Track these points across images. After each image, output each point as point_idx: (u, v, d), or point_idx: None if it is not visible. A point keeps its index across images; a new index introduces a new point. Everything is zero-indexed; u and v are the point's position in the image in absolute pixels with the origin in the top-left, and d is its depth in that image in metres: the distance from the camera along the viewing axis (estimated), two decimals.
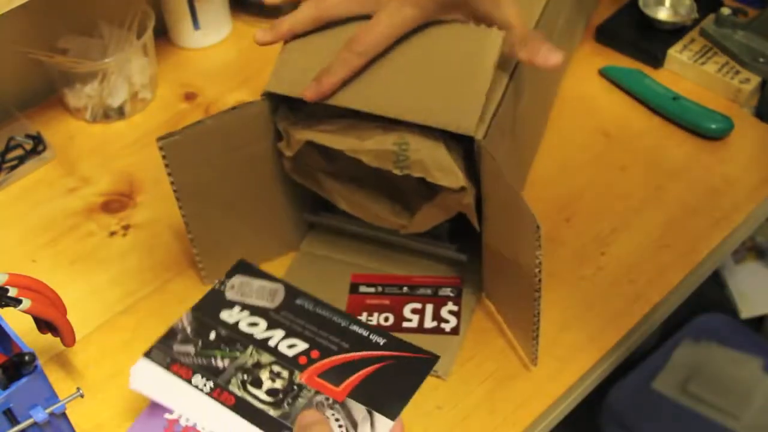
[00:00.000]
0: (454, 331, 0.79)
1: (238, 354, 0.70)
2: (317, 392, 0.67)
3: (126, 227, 0.91)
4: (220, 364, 0.70)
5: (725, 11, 1.04)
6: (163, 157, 0.74)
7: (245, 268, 0.77)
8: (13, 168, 0.97)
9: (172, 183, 0.76)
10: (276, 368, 0.69)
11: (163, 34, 1.11)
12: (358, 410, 0.65)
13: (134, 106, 1.04)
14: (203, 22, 1.10)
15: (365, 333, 0.70)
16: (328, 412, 0.65)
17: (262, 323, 0.72)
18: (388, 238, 0.84)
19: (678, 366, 1.39)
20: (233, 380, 0.69)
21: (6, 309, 0.67)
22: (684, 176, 0.92)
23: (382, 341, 0.70)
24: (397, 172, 0.72)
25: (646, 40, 1.06)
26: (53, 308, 0.71)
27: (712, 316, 1.45)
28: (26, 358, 0.62)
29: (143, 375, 0.70)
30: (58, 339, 0.73)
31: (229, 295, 0.75)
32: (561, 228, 0.87)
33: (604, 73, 1.03)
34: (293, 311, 0.73)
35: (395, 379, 0.68)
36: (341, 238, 0.87)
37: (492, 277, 0.79)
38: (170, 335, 0.72)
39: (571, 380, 0.77)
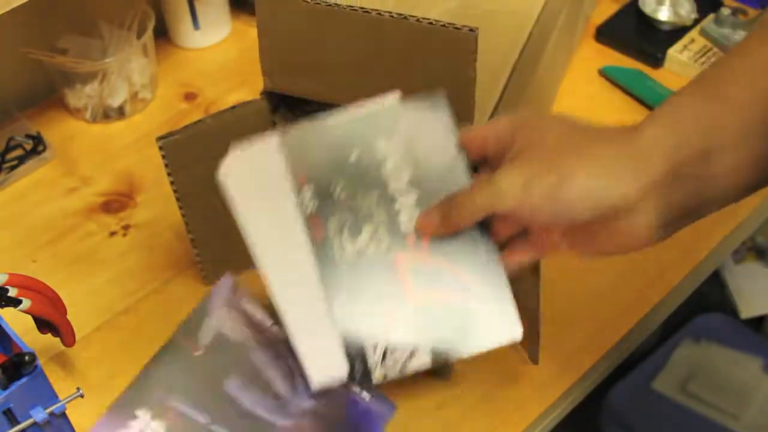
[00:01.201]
0: None
1: (360, 193, 0.62)
2: (396, 282, 0.60)
3: (126, 227, 0.91)
4: (337, 192, 0.62)
5: (725, 11, 1.04)
6: (163, 156, 0.74)
7: (437, 104, 0.63)
8: (13, 168, 0.97)
9: (172, 183, 0.76)
10: (381, 231, 0.61)
11: (163, 34, 1.11)
12: (415, 329, 0.61)
13: (134, 106, 1.04)
14: (203, 22, 1.10)
15: (485, 257, 0.61)
16: (389, 309, 0.61)
17: (406, 175, 0.62)
18: None
19: (678, 366, 1.39)
20: (335, 218, 0.61)
21: (6, 309, 0.67)
22: None
23: (492, 279, 0.61)
24: None
25: (646, 40, 1.06)
26: (53, 308, 0.71)
27: (712, 316, 1.45)
28: (26, 358, 0.62)
29: (246, 163, 0.62)
30: (58, 339, 0.73)
31: (401, 124, 0.62)
32: None
33: (604, 73, 1.04)
34: (442, 180, 0.62)
35: (470, 327, 0.60)
36: None
37: None
38: (318, 130, 0.63)
39: (571, 380, 0.77)
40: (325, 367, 0.61)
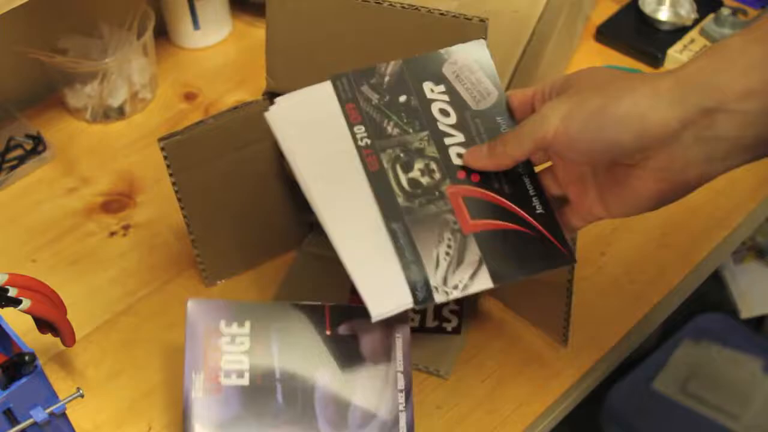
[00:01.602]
0: (456, 330, 0.79)
1: (411, 131, 0.65)
2: (451, 211, 0.63)
3: (126, 227, 0.91)
4: (389, 129, 0.65)
5: (725, 11, 1.04)
6: (165, 157, 0.74)
7: (480, 49, 0.67)
8: (13, 168, 0.97)
9: (173, 183, 0.76)
10: (433, 166, 0.64)
11: (163, 34, 1.11)
12: (472, 253, 0.62)
13: (134, 106, 1.04)
14: (203, 22, 1.10)
15: (531, 191, 0.64)
16: (446, 234, 0.62)
17: (453, 117, 0.65)
18: None
19: (678, 366, 1.39)
20: (389, 151, 0.64)
21: (6, 309, 0.67)
22: None
23: (540, 209, 0.64)
24: None
25: (646, 40, 1.06)
26: (53, 308, 0.71)
27: (712, 316, 1.45)
28: (26, 358, 0.62)
29: (296, 108, 0.65)
30: (58, 339, 0.73)
31: (446, 69, 0.66)
32: None
33: None
34: (487, 123, 0.65)
35: (523, 252, 0.63)
36: None
37: None
38: (368, 74, 0.66)
39: (572, 380, 0.77)
40: (385, 296, 0.61)
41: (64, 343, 0.73)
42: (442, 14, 0.68)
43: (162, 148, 0.74)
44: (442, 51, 0.67)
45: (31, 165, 0.97)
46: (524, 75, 0.79)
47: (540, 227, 0.63)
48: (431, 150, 0.64)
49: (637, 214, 0.59)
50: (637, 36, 1.07)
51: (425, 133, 0.65)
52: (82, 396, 0.66)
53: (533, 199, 0.64)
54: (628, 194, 0.58)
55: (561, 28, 0.91)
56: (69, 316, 0.73)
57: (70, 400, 0.66)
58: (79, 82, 1.01)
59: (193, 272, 0.85)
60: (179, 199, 0.77)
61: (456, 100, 0.66)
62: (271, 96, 0.76)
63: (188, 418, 0.67)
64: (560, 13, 0.90)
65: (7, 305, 0.67)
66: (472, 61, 0.67)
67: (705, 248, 0.86)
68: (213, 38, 1.12)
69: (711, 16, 1.06)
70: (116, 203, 0.94)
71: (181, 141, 0.74)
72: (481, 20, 0.67)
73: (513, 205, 0.63)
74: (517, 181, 0.64)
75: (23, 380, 0.62)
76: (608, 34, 1.07)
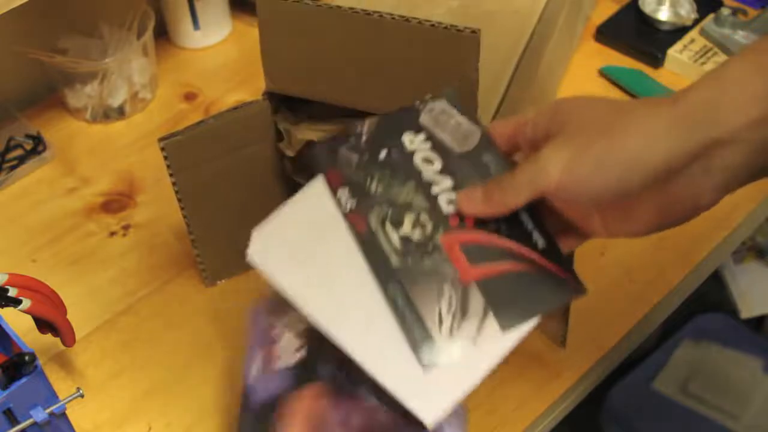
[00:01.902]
0: None
1: (395, 185, 0.63)
2: (448, 261, 0.60)
3: (126, 227, 0.91)
4: (373, 187, 0.63)
5: (725, 11, 1.04)
6: (165, 157, 0.74)
7: (453, 98, 0.66)
8: (13, 168, 0.97)
9: (174, 183, 0.76)
10: (423, 217, 0.62)
11: (163, 34, 1.11)
12: (476, 302, 0.60)
13: (134, 106, 1.04)
14: (203, 22, 1.10)
15: (530, 227, 0.62)
16: (447, 286, 0.60)
17: (437, 164, 0.63)
18: None
19: (678, 366, 1.39)
20: (376, 209, 0.62)
21: (6, 309, 0.67)
22: None
23: (541, 244, 0.61)
24: None
25: (646, 40, 1.06)
26: (53, 308, 0.71)
27: (712, 316, 1.45)
28: (26, 358, 0.62)
29: (273, 229, 0.65)
30: (58, 339, 0.73)
31: (424, 119, 0.65)
32: None
33: (604, 73, 1.03)
34: (475, 165, 0.63)
35: (530, 292, 0.60)
36: None
37: None
38: (342, 137, 0.64)
39: (571, 380, 0.77)
40: (428, 395, 0.59)
41: (64, 343, 0.73)
42: (432, 25, 0.67)
43: (162, 148, 0.74)
44: (416, 102, 0.65)
45: (31, 165, 0.97)
46: (524, 75, 0.79)
47: (544, 262, 0.61)
48: (419, 201, 0.62)
49: (643, 237, 0.59)
50: (637, 36, 1.07)
51: (411, 183, 0.63)
52: (82, 396, 0.66)
53: (533, 233, 0.61)
54: (632, 223, 0.57)
55: (561, 27, 0.91)
56: (69, 316, 0.73)
57: (70, 400, 0.66)
58: (79, 82, 1.01)
59: (193, 272, 0.85)
60: (179, 199, 0.77)
61: (439, 146, 0.64)
62: (271, 96, 0.76)
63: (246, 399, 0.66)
64: (560, 13, 0.90)
65: (7, 305, 0.67)
66: (449, 106, 0.65)
67: (705, 248, 0.86)
68: (213, 38, 1.12)
69: (711, 16, 1.06)
70: (116, 203, 0.94)
71: (181, 141, 0.74)
72: (473, 31, 0.66)
73: (513, 244, 0.61)
74: (513, 218, 0.61)
75: (23, 380, 0.62)
76: (608, 34, 1.07)
